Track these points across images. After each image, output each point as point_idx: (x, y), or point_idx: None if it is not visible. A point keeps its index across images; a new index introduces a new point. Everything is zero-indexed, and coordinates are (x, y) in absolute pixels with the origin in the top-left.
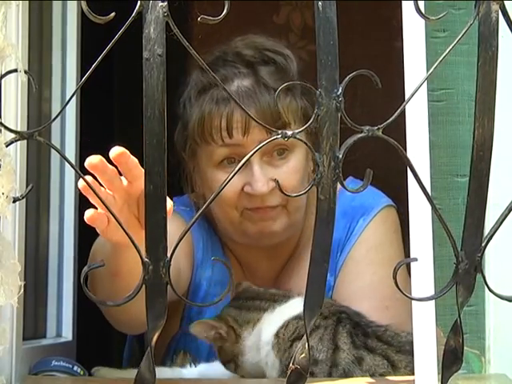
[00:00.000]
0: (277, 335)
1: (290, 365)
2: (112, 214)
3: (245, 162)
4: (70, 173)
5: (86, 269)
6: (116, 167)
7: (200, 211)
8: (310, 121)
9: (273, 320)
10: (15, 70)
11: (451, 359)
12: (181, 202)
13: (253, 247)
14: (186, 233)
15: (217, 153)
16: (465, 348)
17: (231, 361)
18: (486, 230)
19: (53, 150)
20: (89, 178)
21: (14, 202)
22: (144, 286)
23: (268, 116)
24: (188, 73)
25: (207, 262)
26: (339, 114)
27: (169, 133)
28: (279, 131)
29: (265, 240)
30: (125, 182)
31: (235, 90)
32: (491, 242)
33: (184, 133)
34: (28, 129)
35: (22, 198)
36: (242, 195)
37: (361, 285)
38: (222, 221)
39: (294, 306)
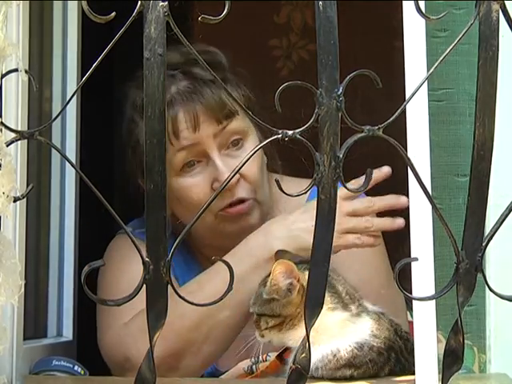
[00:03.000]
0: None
1: (291, 364)
2: (110, 211)
3: (242, 165)
4: (70, 172)
5: (86, 268)
6: None
7: (194, 219)
8: (311, 120)
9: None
10: (16, 70)
11: (452, 359)
12: (139, 224)
13: (225, 250)
14: (183, 236)
15: (175, 160)
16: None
17: (267, 325)
18: (487, 230)
19: (53, 150)
20: None
21: (15, 201)
22: (145, 285)
23: (214, 106)
24: (122, 100)
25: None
26: (340, 114)
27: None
28: (280, 131)
29: (243, 237)
30: None
31: (176, 92)
32: (492, 241)
33: (135, 156)
34: (28, 128)
35: (23, 197)
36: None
37: None
38: (197, 228)
39: (365, 329)
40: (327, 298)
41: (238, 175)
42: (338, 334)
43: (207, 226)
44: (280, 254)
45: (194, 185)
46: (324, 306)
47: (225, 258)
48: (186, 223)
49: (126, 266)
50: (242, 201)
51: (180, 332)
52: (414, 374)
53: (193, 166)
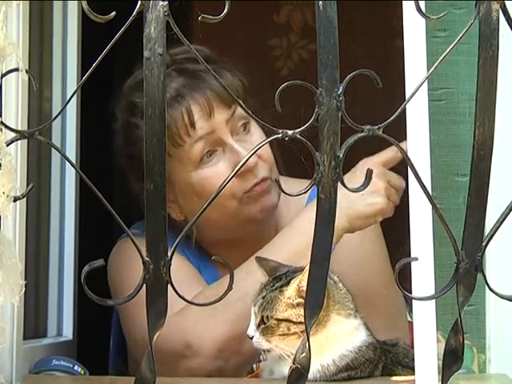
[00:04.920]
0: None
1: (291, 364)
2: (110, 212)
3: (245, 161)
4: (70, 172)
5: (86, 268)
6: None
7: (200, 211)
8: (311, 120)
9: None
10: (16, 69)
11: (452, 359)
12: (142, 228)
13: (235, 247)
14: (187, 230)
15: (193, 151)
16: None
17: (288, 331)
18: (487, 230)
19: (53, 149)
20: None
21: (15, 201)
22: (144, 285)
23: (222, 91)
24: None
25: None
26: (340, 114)
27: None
28: (280, 130)
29: (267, 216)
30: None
31: (181, 85)
32: (492, 241)
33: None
34: (28, 128)
35: (23, 197)
36: (235, 181)
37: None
38: (218, 220)
39: (363, 331)
40: (348, 303)
41: (255, 156)
42: (345, 342)
43: (230, 213)
44: (260, 261)
45: (217, 173)
46: (342, 311)
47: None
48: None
49: (133, 268)
50: (264, 179)
51: (243, 314)
52: (403, 365)
53: (210, 156)
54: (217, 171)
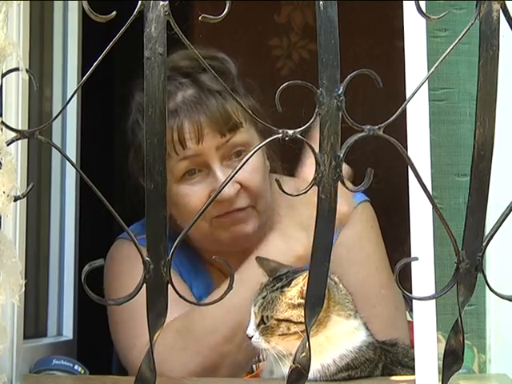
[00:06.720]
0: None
1: (291, 364)
2: (111, 211)
3: (243, 163)
4: (70, 171)
5: (86, 268)
6: None
7: (189, 225)
8: (311, 120)
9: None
10: (16, 69)
11: (452, 359)
12: (139, 228)
13: (226, 253)
14: (180, 240)
15: (177, 167)
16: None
17: (288, 331)
18: (487, 230)
19: (54, 149)
20: None
21: (15, 200)
22: (145, 285)
23: (219, 119)
24: (128, 98)
25: (194, 284)
26: (340, 114)
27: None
28: (280, 130)
29: (238, 244)
30: None
31: (181, 101)
32: (492, 241)
33: (138, 158)
34: (29, 128)
35: (23, 196)
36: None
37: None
38: (192, 233)
39: (363, 331)
40: (348, 304)
41: (239, 186)
42: (345, 342)
43: (201, 232)
44: (261, 261)
45: (193, 193)
46: (343, 312)
47: (245, 264)
48: (182, 226)
49: (130, 269)
50: (239, 209)
51: (214, 347)
52: (403, 365)
53: (194, 174)
54: (193, 190)
